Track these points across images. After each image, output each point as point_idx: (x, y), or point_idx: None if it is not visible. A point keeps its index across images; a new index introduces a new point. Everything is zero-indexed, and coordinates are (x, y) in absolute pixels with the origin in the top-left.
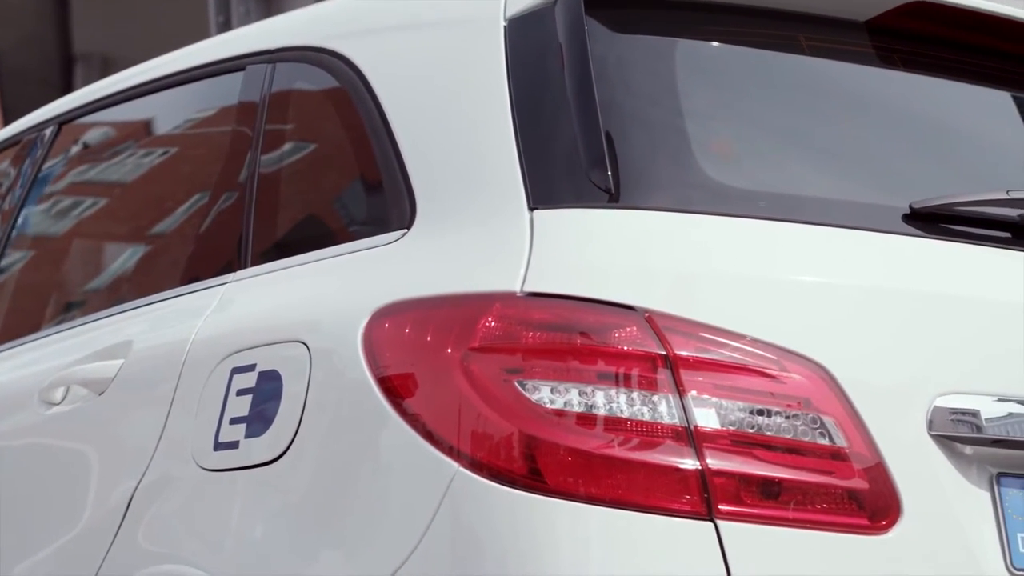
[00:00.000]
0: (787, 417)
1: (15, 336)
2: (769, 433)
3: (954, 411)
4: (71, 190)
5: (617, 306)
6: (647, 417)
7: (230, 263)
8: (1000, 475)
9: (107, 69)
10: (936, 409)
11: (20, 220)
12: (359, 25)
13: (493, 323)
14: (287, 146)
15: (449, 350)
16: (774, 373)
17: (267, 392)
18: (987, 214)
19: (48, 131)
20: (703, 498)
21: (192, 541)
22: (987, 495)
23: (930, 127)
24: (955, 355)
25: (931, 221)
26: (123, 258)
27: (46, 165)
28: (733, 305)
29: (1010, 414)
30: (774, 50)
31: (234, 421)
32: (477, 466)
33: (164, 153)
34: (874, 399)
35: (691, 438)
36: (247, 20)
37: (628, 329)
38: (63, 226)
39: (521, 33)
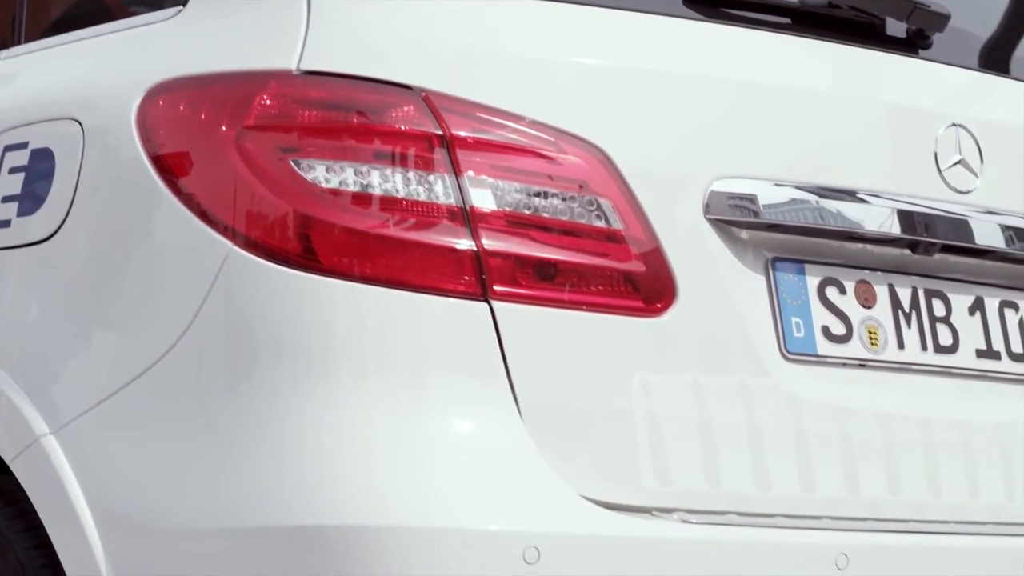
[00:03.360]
0: (564, 199)
1: None
2: (545, 215)
3: (731, 195)
4: None
5: (394, 85)
6: (423, 197)
7: (3, 40)
8: (775, 260)
9: None
10: (713, 193)
11: None
12: None
13: (268, 101)
14: None
15: (223, 128)
16: (552, 155)
17: (40, 170)
18: None
19: None
20: (478, 279)
21: None
22: (762, 279)
23: None
24: (733, 140)
25: (712, 5)
26: None
27: None
28: (512, 86)
29: (787, 200)
30: None
31: (6, 200)
32: (251, 245)
33: None
34: (651, 182)
35: (467, 219)
36: None
37: (404, 108)
38: None
39: None
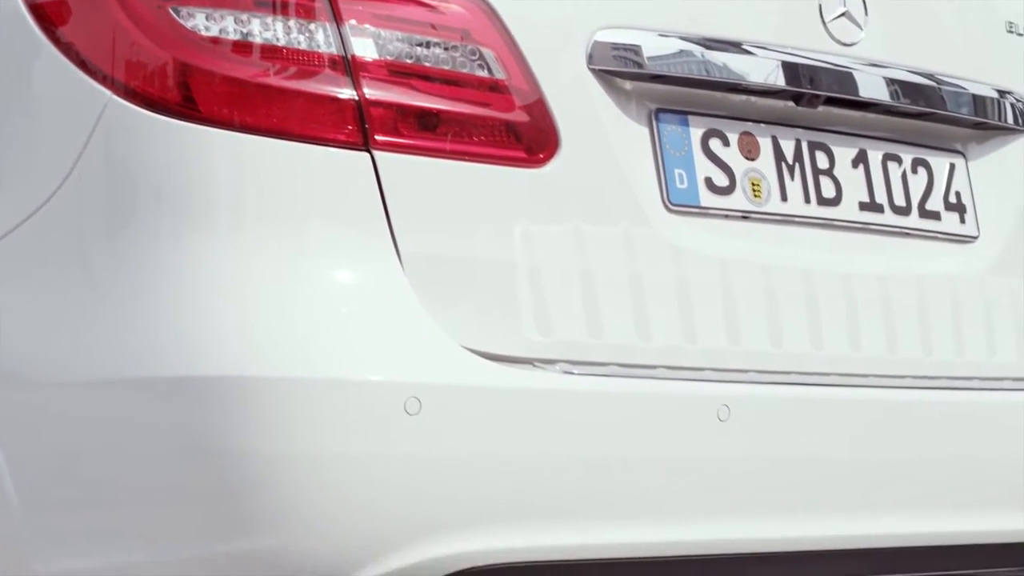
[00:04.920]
0: (446, 48)
1: None
2: (427, 64)
3: (615, 46)
4: None
5: None
6: (303, 46)
7: None
8: (659, 111)
9: None
10: (597, 44)
11: None
12: None
13: None
14: None
15: None
16: (433, 4)
17: None
18: None
19: None
20: (360, 128)
21: None
22: (646, 131)
23: None
24: None
25: None
26: None
27: None
28: None
29: (671, 51)
30: None
31: None
32: (131, 94)
33: None
34: (535, 32)
35: (348, 68)
36: None
37: None
38: None
39: None
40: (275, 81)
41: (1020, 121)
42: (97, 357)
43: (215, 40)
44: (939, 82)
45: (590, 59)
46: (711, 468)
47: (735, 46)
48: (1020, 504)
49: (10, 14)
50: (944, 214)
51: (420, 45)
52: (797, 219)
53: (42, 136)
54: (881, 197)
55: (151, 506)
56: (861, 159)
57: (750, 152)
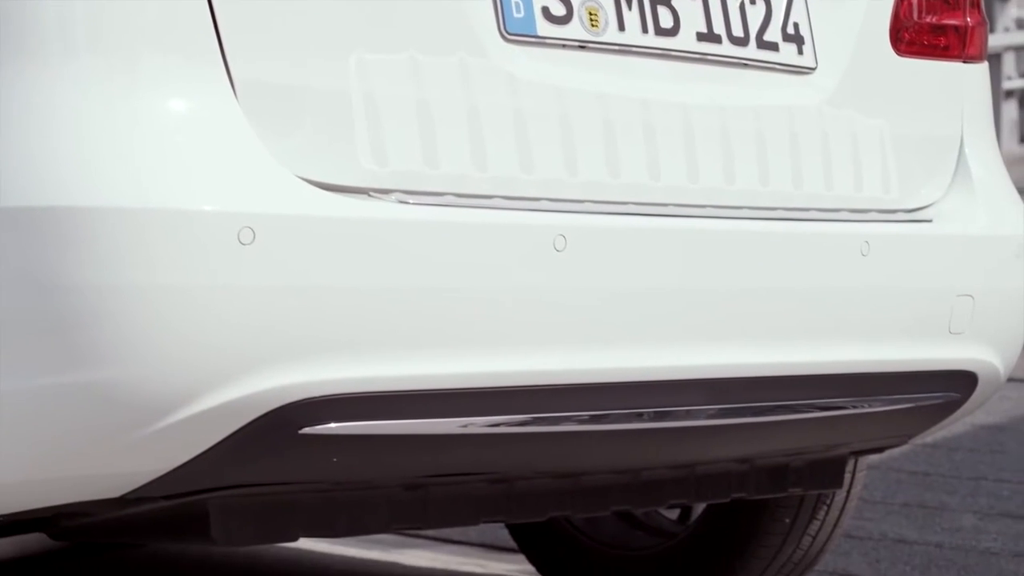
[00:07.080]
0: None
1: None
2: None
3: None
4: None
5: None
6: None
7: None
8: None
9: None
10: None
11: None
12: None
13: None
14: None
15: None
16: None
17: None
18: None
19: None
20: None
21: None
22: None
23: None
24: None
25: None
26: None
27: None
28: None
29: None
30: None
31: None
32: None
33: None
34: None
35: None
36: None
37: None
38: None
39: None
40: None
41: None
42: None
43: None
44: None
45: None
46: (548, 298)
47: None
48: (851, 334)
49: None
50: (782, 45)
51: None
52: (634, 49)
53: None
54: (719, 27)
55: None
56: None
57: None
